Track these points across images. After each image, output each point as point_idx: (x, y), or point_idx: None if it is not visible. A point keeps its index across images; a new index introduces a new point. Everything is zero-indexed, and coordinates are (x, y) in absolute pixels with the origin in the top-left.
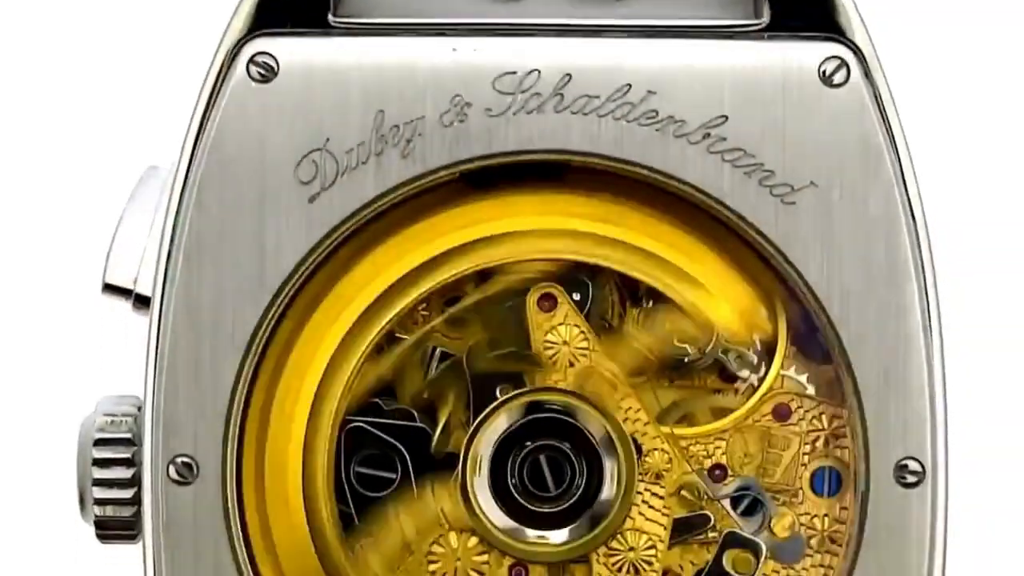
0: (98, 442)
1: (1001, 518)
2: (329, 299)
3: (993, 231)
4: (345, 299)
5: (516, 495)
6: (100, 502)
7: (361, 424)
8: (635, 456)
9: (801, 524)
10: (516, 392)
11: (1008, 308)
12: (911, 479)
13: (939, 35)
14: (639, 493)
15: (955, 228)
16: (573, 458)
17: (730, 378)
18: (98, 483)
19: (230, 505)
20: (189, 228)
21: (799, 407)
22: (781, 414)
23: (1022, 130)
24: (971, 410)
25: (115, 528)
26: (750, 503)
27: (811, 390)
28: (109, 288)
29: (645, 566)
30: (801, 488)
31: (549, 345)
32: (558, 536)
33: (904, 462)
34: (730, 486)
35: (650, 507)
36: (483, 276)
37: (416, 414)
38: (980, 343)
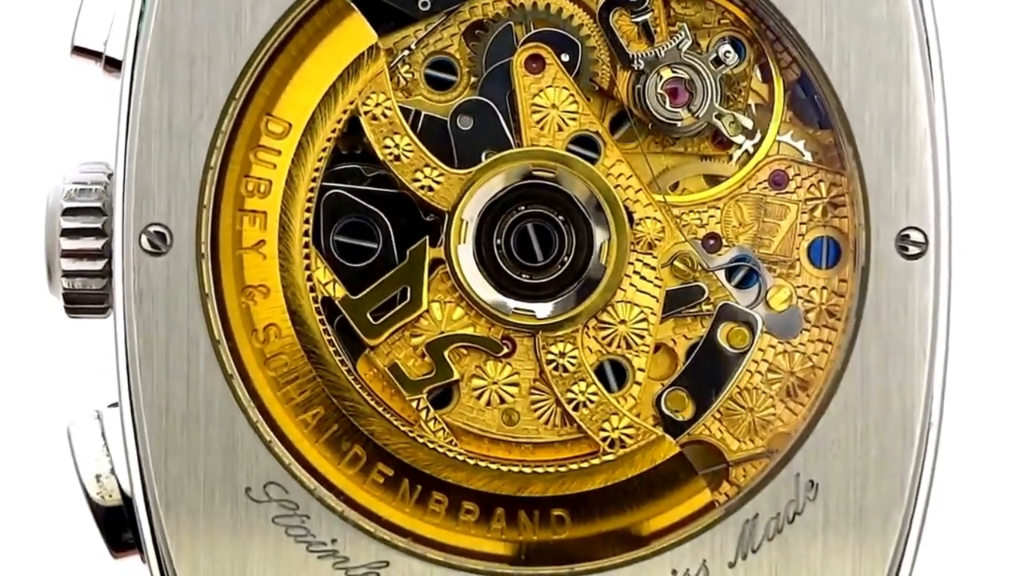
0: (67, 211)
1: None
2: (312, 57)
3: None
4: (328, 57)
5: (502, 265)
6: (69, 274)
7: (340, 191)
8: (627, 224)
9: (799, 297)
10: (502, 154)
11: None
12: (913, 250)
13: None
14: (631, 263)
15: None
16: (562, 226)
17: (724, 144)
18: (67, 254)
19: (205, 276)
20: None
21: (796, 174)
22: (777, 181)
23: None
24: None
25: (84, 301)
26: (745, 274)
27: (808, 157)
28: (78, 51)
29: (636, 339)
30: (799, 259)
31: (537, 108)
32: (545, 307)
33: (906, 232)
34: (725, 256)
35: (642, 278)
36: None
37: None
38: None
